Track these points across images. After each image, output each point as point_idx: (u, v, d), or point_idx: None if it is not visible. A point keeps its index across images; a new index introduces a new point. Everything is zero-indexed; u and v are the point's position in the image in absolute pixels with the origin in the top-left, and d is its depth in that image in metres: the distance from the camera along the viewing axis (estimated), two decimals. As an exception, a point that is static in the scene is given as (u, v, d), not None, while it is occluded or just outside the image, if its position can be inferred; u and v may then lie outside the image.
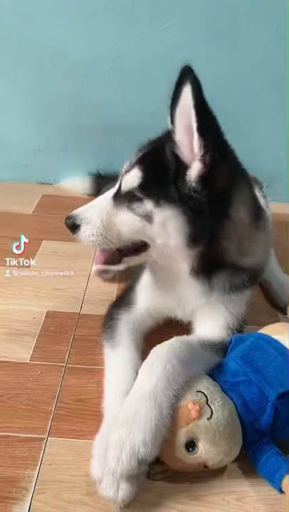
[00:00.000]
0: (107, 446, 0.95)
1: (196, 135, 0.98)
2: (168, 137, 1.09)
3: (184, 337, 1.20)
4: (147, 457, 0.92)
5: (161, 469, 1.03)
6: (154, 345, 1.14)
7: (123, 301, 1.42)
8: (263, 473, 1.03)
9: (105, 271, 1.74)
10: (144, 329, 1.37)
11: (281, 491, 0.99)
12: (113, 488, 0.93)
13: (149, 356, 1.10)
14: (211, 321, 1.28)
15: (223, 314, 1.27)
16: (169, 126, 1.18)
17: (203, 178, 1.03)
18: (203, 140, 0.98)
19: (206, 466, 1.01)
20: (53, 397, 1.22)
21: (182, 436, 0.99)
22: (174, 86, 1.02)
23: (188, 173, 1.04)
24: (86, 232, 1.17)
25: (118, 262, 1.25)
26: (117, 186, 1.19)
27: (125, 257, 1.24)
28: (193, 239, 1.09)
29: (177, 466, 1.02)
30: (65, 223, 1.20)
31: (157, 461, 1.02)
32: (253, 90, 2.24)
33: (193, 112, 0.97)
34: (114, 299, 1.53)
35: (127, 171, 1.15)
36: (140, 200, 1.11)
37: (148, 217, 1.10)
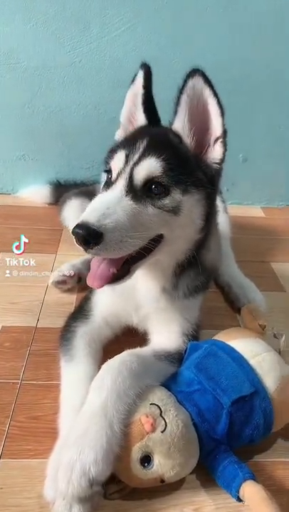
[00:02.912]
0: None
1: (219, 119, 1.08)
2: (159, 129, 1.17)
3: (137, 349, 1.18)
4: (99, 477, 0.90)
5: (118, 488, 1.00)
6: (114, 356, 1.12)
7: (80, 312, 1.39)
8: (221, 482, 1.02)
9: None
10: (102, 340, 1.34)
11: (239, 500, 0.99)
12: (65, 511, 0.89)
13: (100, 371, 1.08)
14: (165, 328, 1.27)
15: (178, 320, 1.27)
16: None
17: (223, 159, 1.13)
18: (223, 124, 1.08)
19: (162, 481, 0.99)
20: (6, 416, 1.18)
21: (137, 451, 0.97)
22: (182, 81, 1.09)
23: (209, 156, 1.12)
24: (114, 239, 0.97)
25: (127, 272, 1.10)
26: (123, 181, 1.06)
27: (133, 265, 1.10)
28: (206, 221, 1.16)
29: (134, 483, 0.99)
30: (78, 235, 0.95)
31: (113, 479, 0.99)
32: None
33: (212, 99, 1.07)
34: (72, 311, 1.50)
35: (136, 162, 1.07)
36: (165, 189, 1.06)
37: (176, 210, 1.07)
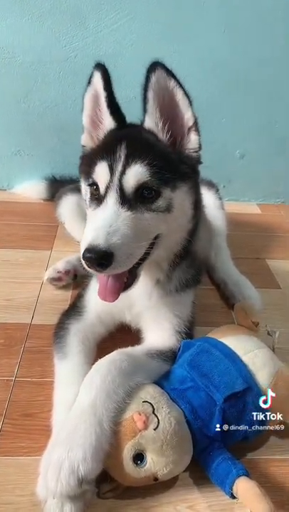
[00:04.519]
0: None
1: (189, 109, 1.08)
2: (132, 131, 1.15)
3: (128, 348, 1.18)
4: (88, 475, 0.89)
5: (111, 487, 1.00)
6: (108, 353, 1.12)
7: (73, 309, 1.38)
8: (215, 479, 1.03)
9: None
10: (96, 337, 1.34)
11: (232, 496, 0.98)
12: (57, 510, 0.89)
13: (90, 371, 1.08)
14: (158, 326, 1.27)
15: (169, 318, 1.27)
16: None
17: (200, 146, 1.14)
18: (194, 112, 1.08)
19: (156, 479, 0.99)
20: (0, 413, 1.17)
21: (129, 449, 0.96)
22: (144, 77, 1.07)
23: (186, 146, 1.12)
24: (123, 254, 0.99)
25: (134, 278, 1.13)
26: (114, 193, 1.05)
27: (138, 269, 1.12)
28: (195, 209, 1.19)
29: (127, 482, 0.99)
30: (91, 260, 0.96)
31: (106, 478, 0.99)
32: (205, 90, 2.24)
33: (178, 90, 1.06)
34: (67, 308, 1.49)
35: (123, 172, 1.05)
36: (156, 192, 1.06)
37: (169, 208, 1.09)
